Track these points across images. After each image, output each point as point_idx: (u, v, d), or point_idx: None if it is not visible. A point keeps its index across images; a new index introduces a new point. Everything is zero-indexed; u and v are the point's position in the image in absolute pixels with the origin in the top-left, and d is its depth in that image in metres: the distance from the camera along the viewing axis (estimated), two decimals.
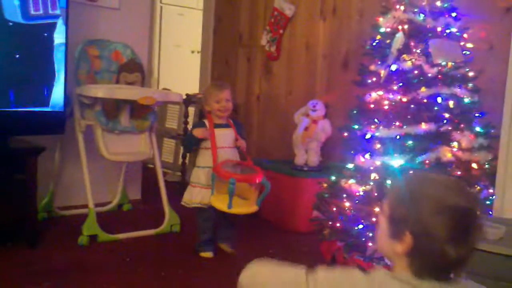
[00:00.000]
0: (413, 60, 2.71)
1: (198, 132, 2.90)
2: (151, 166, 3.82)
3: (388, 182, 2.57)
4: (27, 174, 2.92)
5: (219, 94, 2.93)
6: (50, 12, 3.06)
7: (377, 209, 2.59)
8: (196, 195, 2.91)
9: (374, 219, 2.59)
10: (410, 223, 1.12)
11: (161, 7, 6.58)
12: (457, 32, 2.81)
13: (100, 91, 3.15)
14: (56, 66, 3.10)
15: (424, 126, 2.62)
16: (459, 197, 1.11)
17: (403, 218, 1.13)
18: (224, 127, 2.96)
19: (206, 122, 2.96)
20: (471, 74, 2.78)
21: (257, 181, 2.75)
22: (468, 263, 1.12)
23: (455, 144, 2.63)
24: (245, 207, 2.76)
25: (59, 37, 3.10)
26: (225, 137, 2.93)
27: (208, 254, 2.97)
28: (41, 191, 3.19)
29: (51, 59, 3.08)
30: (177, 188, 4.33)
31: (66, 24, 3.11)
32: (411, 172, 1.34)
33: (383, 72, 2.78)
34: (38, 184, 3.00)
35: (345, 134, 2.92)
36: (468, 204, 1.11)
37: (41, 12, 3.02)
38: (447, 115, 2.65)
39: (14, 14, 2.90)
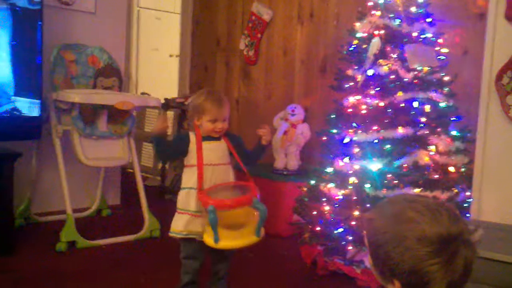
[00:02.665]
0: (390, 65, 2.75)
1: (155, 128, 2.36)
2: (131, 170, 3.79)
3: (368, 189, 2.60)
4: (3, 180, 2.87)
5: (217, 113, 2.33)
6: None
7: (356, 213, 2.61)
8: (180, 223, 2.36)
9: (353, 223, 2.62)
10: (395, 273, 1.08)
11: (138, 11, 6.54)
12: (432, 37, 2.86)
13: (77, 96, 3.12)
14: None
15: (401, 130, 2.66)
16: (437, 229, 1.06)
17: (385, 266, 1.10)
18: (214, 140, 2.38)
19: (192, 135, 2.37)
20: (446, 78, 2.84)
21: (246, 205, 2.21)
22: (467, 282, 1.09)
23: (432, 147, 2.68)
24: (238, 239, 2.22)
25: None
26: (214, 150, 2.36)
27: None
28: (18, 198, 3.16)
29: None
30: (157, 193, 4.32)
31: (41, 27, 3.08)
32: (381, 203, 1.26)
33: (360, 77, 2.81)
34: (15, 190, 2.96)
35: (324, 138, 2.95)
36: (448, 231, 1.06)
37: None
38: (423, 119, 2.69)
39: None
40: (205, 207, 2.17)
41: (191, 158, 2.36)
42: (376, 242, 1.12)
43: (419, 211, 1.10)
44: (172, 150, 2.48)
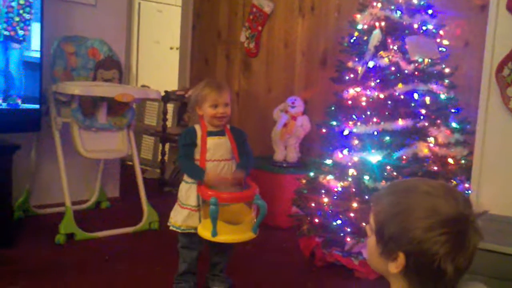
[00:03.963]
0: (390, 56, 2.74)
1: (209, 178, 2.27)
2: (130, 163, 3.79)
3: (367, 181, 2.59)
4: (2, 172, 2.87)
5: (217, 97, 2.33)
6: None
7: (355, 205, 2.61)
8: (179, 218, 2.38)
9: (352, 215, 2.61)
10: (402, 243, 1.07)
11: (139, 3, 6.53)
12: (433, 29, 2.85)
13: (77, 88, 3.11)
14: None
15: (401, 122, 2.65)
16: (449, 205, 1.06)
17: (393, 237, 1.09)
18: (218, 135, 2.38)
19: (198, 128, 2.38)
20: (447, 70, 2.82)
21: (248, 199, 2.25)
22: (469, 268, 1.08)
23: (431, 139, 2.67)
24: (235, 233, 2.23)
25: None
26: (219, 147, 2.37)
27: None
28: (17, 190, 3.15)
29: None
30: (156, 185, 4.32)
31: (41, 20, 3.07)
32: (393, 181, 1.26)
33: (360, 69, 2.80)
34: (14, 182, 2.96)
35: (324, 130, 2.94)
36: (459, 210, 1.06)
37: None
38: (423, 111, 2.68)
39: None
40: (207, 199, 2.17)
41: (196, 152, 2.36)
42: (386, 216, 1.12)
43: (433, 186, 1.11)
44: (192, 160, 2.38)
